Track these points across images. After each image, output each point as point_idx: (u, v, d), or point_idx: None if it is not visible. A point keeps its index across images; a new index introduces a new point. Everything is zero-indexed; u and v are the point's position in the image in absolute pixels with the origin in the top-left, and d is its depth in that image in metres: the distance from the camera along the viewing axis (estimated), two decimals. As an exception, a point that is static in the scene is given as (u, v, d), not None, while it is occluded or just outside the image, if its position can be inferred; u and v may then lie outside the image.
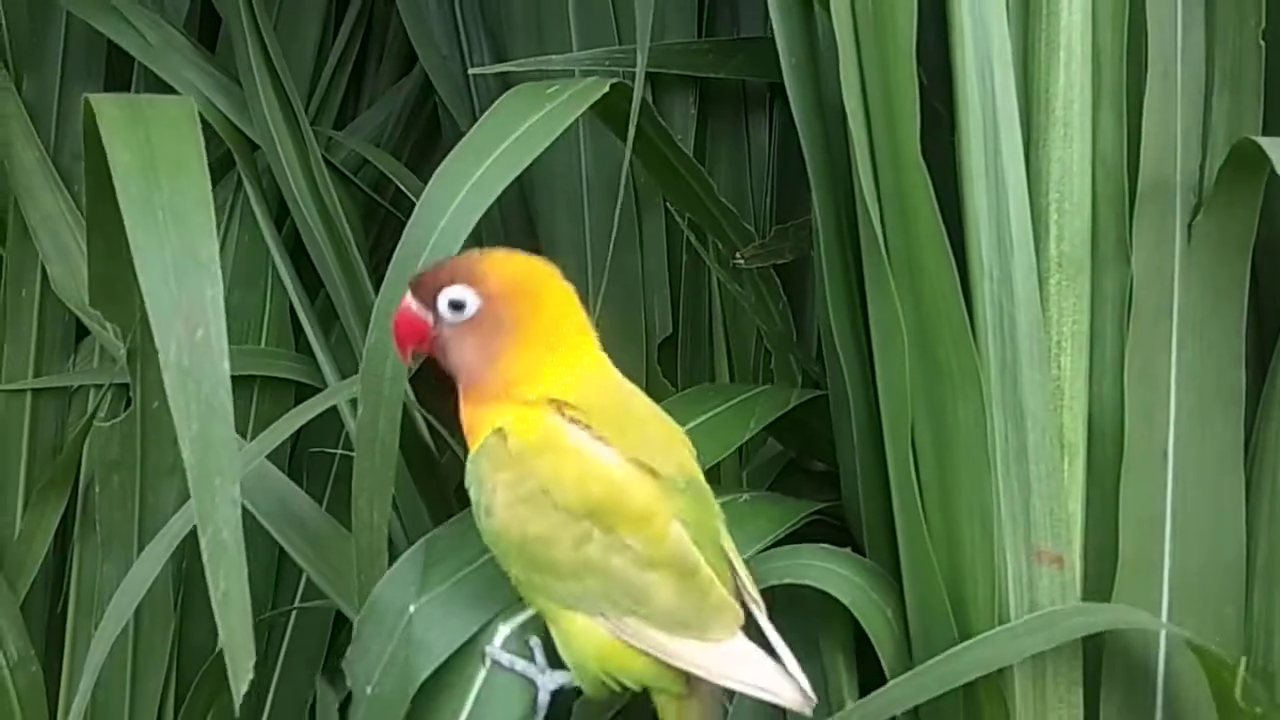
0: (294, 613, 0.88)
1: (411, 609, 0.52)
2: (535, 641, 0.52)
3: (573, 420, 0.48)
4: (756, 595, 0.49)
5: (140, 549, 0.81)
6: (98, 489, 0.80)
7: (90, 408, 0.89)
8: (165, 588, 0.82)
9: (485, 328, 0.48)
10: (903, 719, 0.54)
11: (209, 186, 0.53)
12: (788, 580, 0.56)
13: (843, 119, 0.52)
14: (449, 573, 0.54)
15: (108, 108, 0.55)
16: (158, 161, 0.53)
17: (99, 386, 0.88)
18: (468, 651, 0.52)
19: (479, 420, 0.49)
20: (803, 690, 0.47)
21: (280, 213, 0.84)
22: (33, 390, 0.89)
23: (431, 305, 0.48)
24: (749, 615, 0.50)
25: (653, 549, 0.47)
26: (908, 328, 0.51)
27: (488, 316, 0.48)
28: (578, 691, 0.51)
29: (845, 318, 0.55)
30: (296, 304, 0.82)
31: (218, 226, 0.85)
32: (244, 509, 0.75)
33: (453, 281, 0.48)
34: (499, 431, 0.48)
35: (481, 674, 0.52)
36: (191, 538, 0.66)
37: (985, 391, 0.51)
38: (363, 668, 0.52)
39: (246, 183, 0.81)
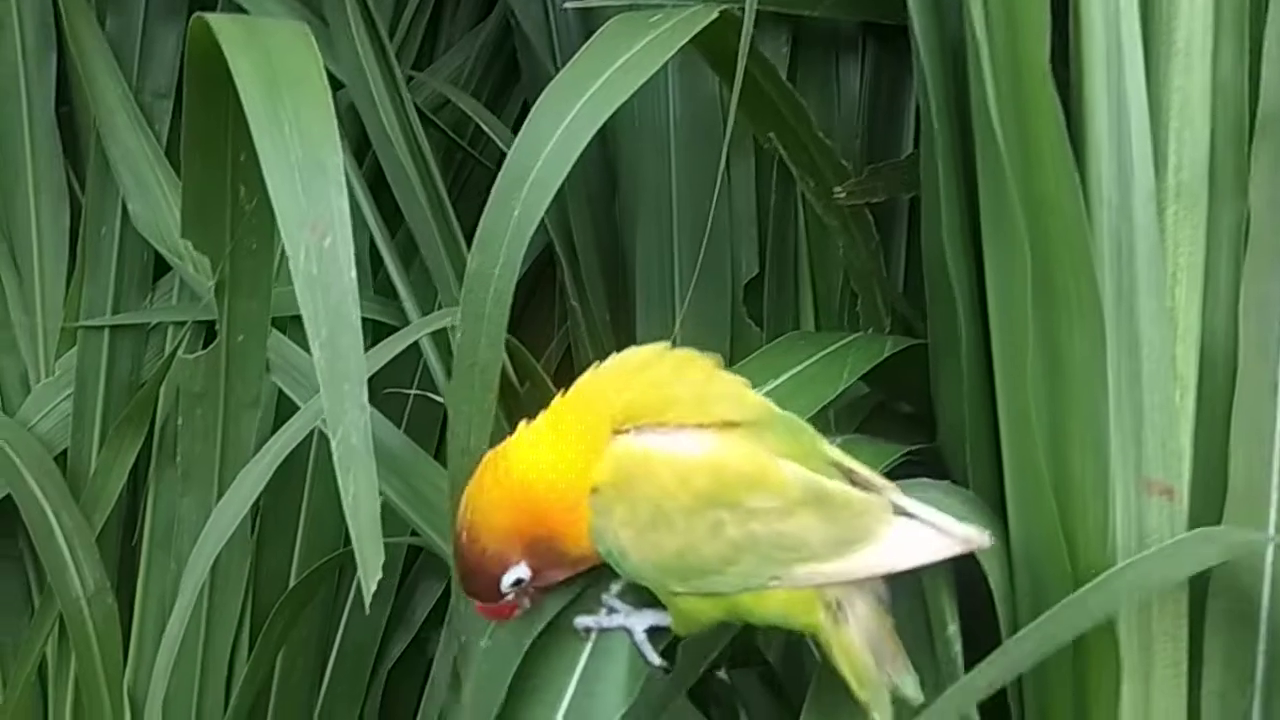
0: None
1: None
2: (606, 596, 0.52)
3: (632, 431, 0.48)
4: (882, 481, 0.49)
5: (221, 482, 0.82)
6: (179, 421, 0.81)
7: (167, 346, 0.90)
8: (244, 521, 0.83)
9: (548, 557, 0.49)
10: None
11: (330, 98, 0.53)
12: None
13: (960, 46, 0.52)
14: None
15: (224, 25, 0.55)
16: (278, 74, 0.53)
17: (177, 324, 0.89)
18: (582, 601, 0.52)
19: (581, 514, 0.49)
20: (976, 532, 0.48)
21: (358, 151, 0.84)
22: (111, 327, 0.90)
23: (501, 597, 0.49)
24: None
25: (780, 498, 0.47)
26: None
27: (539, 555, 0.49)
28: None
29: (959, 247, 0.55)
30: (379, 240, 0.82)
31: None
32: (326, 442, 0.78)
33: (498, 575, 0.48)
34: (595, 489, 0.48)
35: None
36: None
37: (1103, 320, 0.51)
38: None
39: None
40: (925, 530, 0.48)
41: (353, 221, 0.84)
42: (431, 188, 0.76)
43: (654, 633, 0.51)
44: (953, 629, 0.54)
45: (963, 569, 0.58)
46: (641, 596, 0.51)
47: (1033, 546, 0.54)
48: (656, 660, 0.50)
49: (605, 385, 0.49)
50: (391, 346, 0.72)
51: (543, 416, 0.50)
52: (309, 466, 0.85)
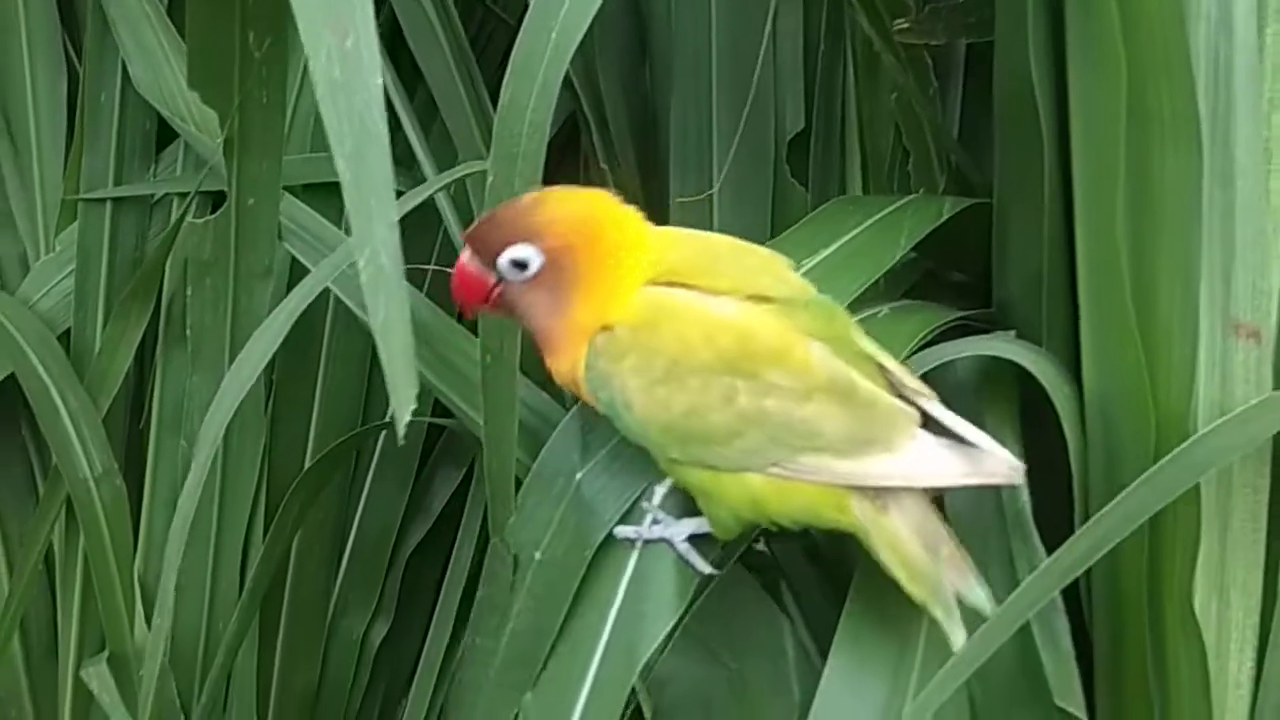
0: (382, 433, 0.86)
1: (578, 476, 0.51)
2: (647, 505, 0.50)
3: (667, 285, 0.46)
4: (919, 385, 0.46)
5: (232, 356, 0.78)
6: (188, 293, 0.77)
7: (172, 219, 0.86)
8: (257, 398, 0.80)
9: (550, 282, 0.46)
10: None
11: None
12: (948, 358, 0.53)
13: None
14: (606, 438, 0.52)
15: None
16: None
17: (182, 196, 0.85)
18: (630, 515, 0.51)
19: (569, 358, 0.47)
20: (1008, 462, 0.44)
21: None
22: (113, 200, 0.85)
23: (492, 265, 0.47)
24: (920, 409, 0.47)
25: (802, 379, 0.44)
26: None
27: (551, 270, 0.46)
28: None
29: (1045, 73, 0.51)
30: (397, 102, 0.77)
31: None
32: (350, 313, 0.74)
33: (514, 240, 0.46)
34: (605, 329, 0.46)
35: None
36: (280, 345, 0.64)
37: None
38: (529, 534, 0.51)
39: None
40: (951, 451, 0.45)
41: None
42: (454, 39, 0.72)
43: (697, 540, 0.49)
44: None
45: (1028, 418, 0.55)
46: (683, 504, 0.50)
47: (1111, 396, 0.51)
48: (705, 568, 0.49)
49: (660, 239, 0.47)
50: (409, 201, 0.68)
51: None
52: (324, 341, 0.82)
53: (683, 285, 0.46)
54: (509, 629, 0.50)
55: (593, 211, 0.47)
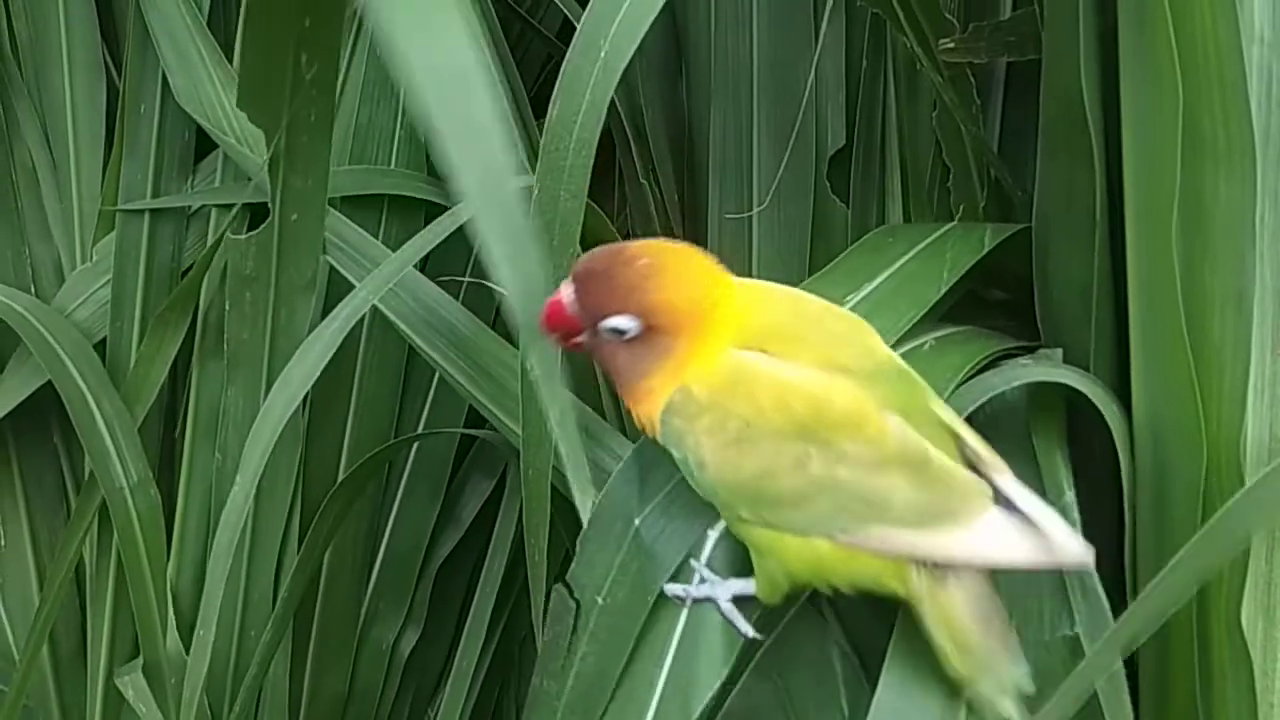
0: (415, 444, 0.86)
1: (637, 521, 0.51)
2: (695, 564, 0.50)
3: (753, 349, 0.46)
4: (993, 459, 0.46)
5: (270, 371, 0.79)
6: (227, 307, 0.77)
7: (210, 231, 0.86)
8: (295, 410, 0.80)
9: (640, 348, 0.46)
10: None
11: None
12: (999, 389, 0.53)
13: None
14: (664, 480, 0.52)
15: None
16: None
17: (220, 208, 0.85)
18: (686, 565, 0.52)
19: (646, 410, 0.48)
20: (1079, 547, 0.44)
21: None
22: (151, 211, 0.86)
23: (591, 319, 0.46)
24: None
25: (876, 449, 0.44)
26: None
27: (645, 340, 0.46)
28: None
29: (1095, 93, 0.51)
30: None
31: (345, 43, 0.82)
32: (385, 324, 0.75)
33: (621, 310, 0.46)
34: (681, 389, 0.46)
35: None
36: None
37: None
38: (590, 578, 0.51)
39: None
40: (1020, 531, 0.44)
41: (404, 101, 0.83)
42: (494, 50, 0.72)
43: (742, 601, 0.49)
44: (1069, 496, 0.52)
45: (1077, 438, 0.55)
46: (731, 561, 0.50)
47: (1161, 418, 0.51)
48: (749, 631, 0.49)
49: (750, 301, 0.47)
50: (452, 219, 0.68)
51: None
52: (359, 353, 0.82)
53: (766, 350, 0.46)
54: (573, 672, 0.50)
55: (702, 290, 0.46)
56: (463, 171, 0.40)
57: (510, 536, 0.85)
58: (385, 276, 0.63)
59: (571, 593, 0.51)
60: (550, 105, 0.54)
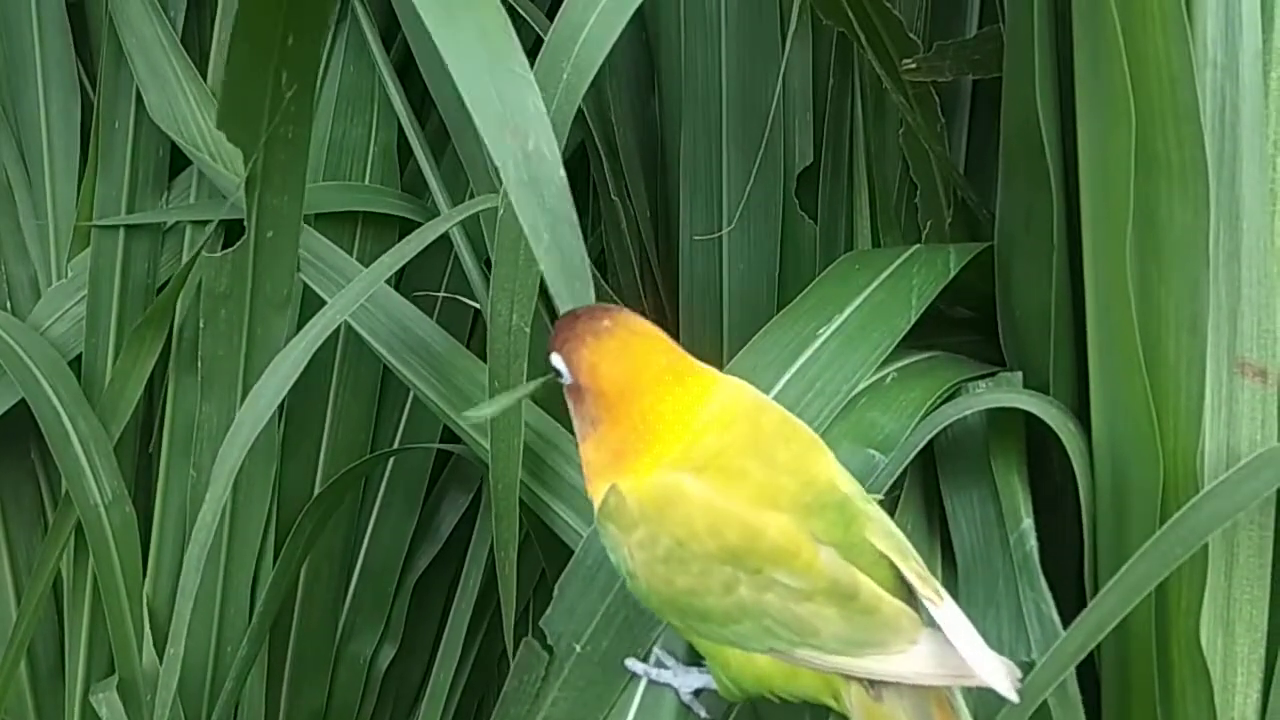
0: (391, 459, 0.86)
1: (622, 579, 0.51)
2: (660, 652, 0.51)
3: (689, 471, 0.46)
4: (928, 588, 0.46)
5: (245, 388, 0.79)
6: (202, 324, 0.78)
7: (185, 247, 0.86)
8: (269, 425, 0.80)
9: (577, 406, 0.47)
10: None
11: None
12: (957, 416, 0.54)
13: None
14: None
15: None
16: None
17: (195, 224, 0.86)
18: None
19: (599, 472, 0.48)
20: (1008, 672, 0.44)
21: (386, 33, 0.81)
22: (125, 227, 0.86)
23: (549, 351, 0.47)
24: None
25: (806, 580, 0.45)
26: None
27: (578, 398, 0.47)
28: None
29: (1051, 114, 0.52)
30: (409, 130, 0.78)
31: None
32: (360, 339, 0.75)
33: (558, 351, 0.47)
34: (614, 490, 0.47)
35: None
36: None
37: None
38: (568, 625, 0.52)
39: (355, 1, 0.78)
40: (946, 654, 0.45)
41: (380, 111, 0.83)
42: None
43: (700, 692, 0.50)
44: (1027, 523, 0.52)
45: (1031, 459, 0.56)
46: (691, 655, 0.50)
47: (1119, 437, 0.52)
48: (705, 715, 0.50)
49: (706, 421, 0.46)
50: (424, 235, 0.69)
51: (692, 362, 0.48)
52: (334, 368, 0.82)
53: (705, 476, 0.46)
54: (540, 717, 0.50)
55: (639, 381, 0.46)
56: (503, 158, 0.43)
57: (487, 552, 0.86)
58: (357, 292, 0.64)
59: (545, 642, 0.51)
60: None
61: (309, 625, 0.88)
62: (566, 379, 0.47)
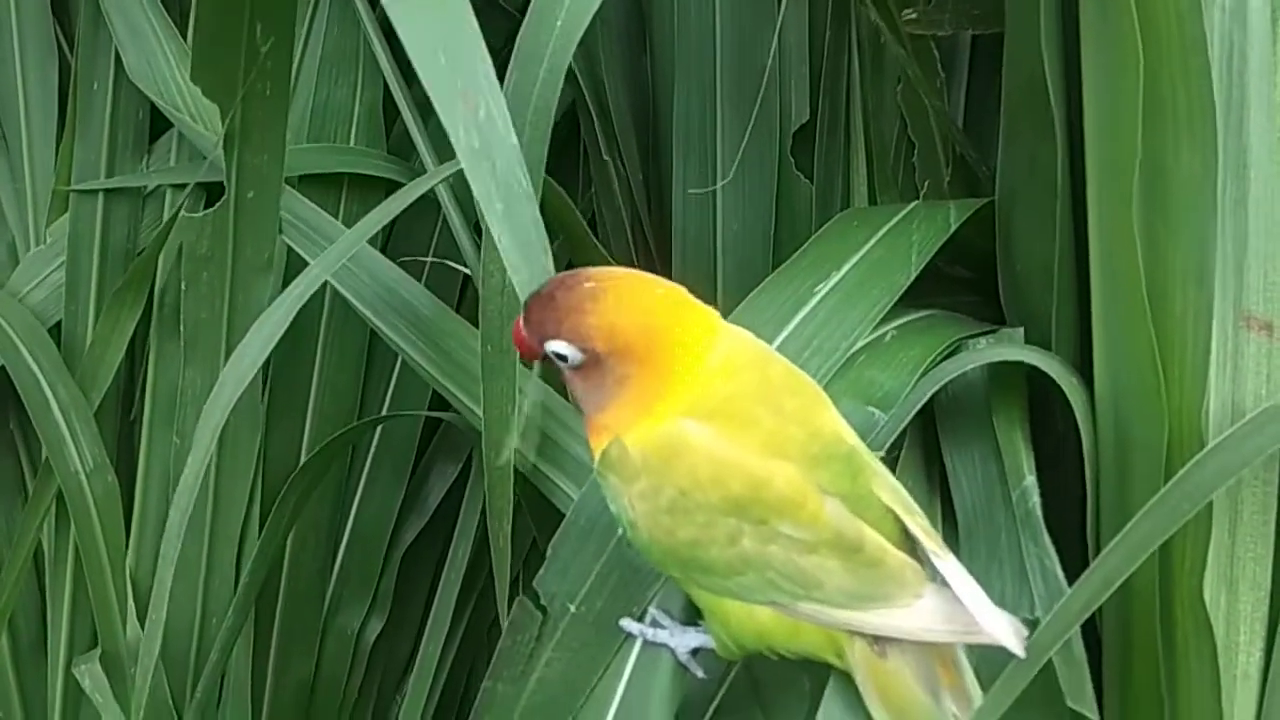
0: (379, 427, 0.85)
1: (620, 529, 0.50)
2: (656, 612, 0.50)
3: (696, 419, 0.45)
4: (936, 544, 0.46)
5: (228, 351, 0.77)
6: (184, 287, 0.76)
7: (166, 212, 0.84)
8: (253, 392, 0.79)
9: (591, 378, 0.45)
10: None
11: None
12: (958, 371, 0.53)
13: None
14: None
15: None
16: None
17: (175, 188, 0.84)
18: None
19: (602, 424, 0.47)
20: (1013, 627, 0.44)
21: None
22: (105, 191, 0.84)
23: (538, 346, 0.46)
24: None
25: (810, 532, 0.44)
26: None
27: (593, 369, 0.45)
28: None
29: (1056, 64, 0.51)
30: (395, 88, 0.76)
31: (302, 18, 0.81)
32: (347, 305, 0.73)
33: (557, 337, 0.45)
34: (617, 440, 0.45)
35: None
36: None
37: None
38: (562, 585, 0.51)
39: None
40: (954, 608, 0.44)
41: (365, 72, 0.81)
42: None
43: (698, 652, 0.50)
44: (1029, 480, 0.51)
45: (1039, 415, 0.55)
46: (688, 614, 0.50)
47: (1123, 391, 0.51)
48: (701, 674, 0.50)
49: (715, 368, 0.45)
50: (409, 193, 0.67)
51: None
52: (320, 333, 0.81)
53: (714, 425, 0.45)
54: (534, 677, 0.49)
55: (658, 319, 0.45)
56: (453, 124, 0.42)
57: (476, 522, 0.85)
58: (341, 251, 0.62)
59: (537, 602, 0.50)
60: (506, 78, 0.53)
61: (295, 596, 0.86)
62: (577, 358, 0.45)
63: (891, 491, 0.46)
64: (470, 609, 0.90)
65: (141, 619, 0.84)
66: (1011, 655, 0.43)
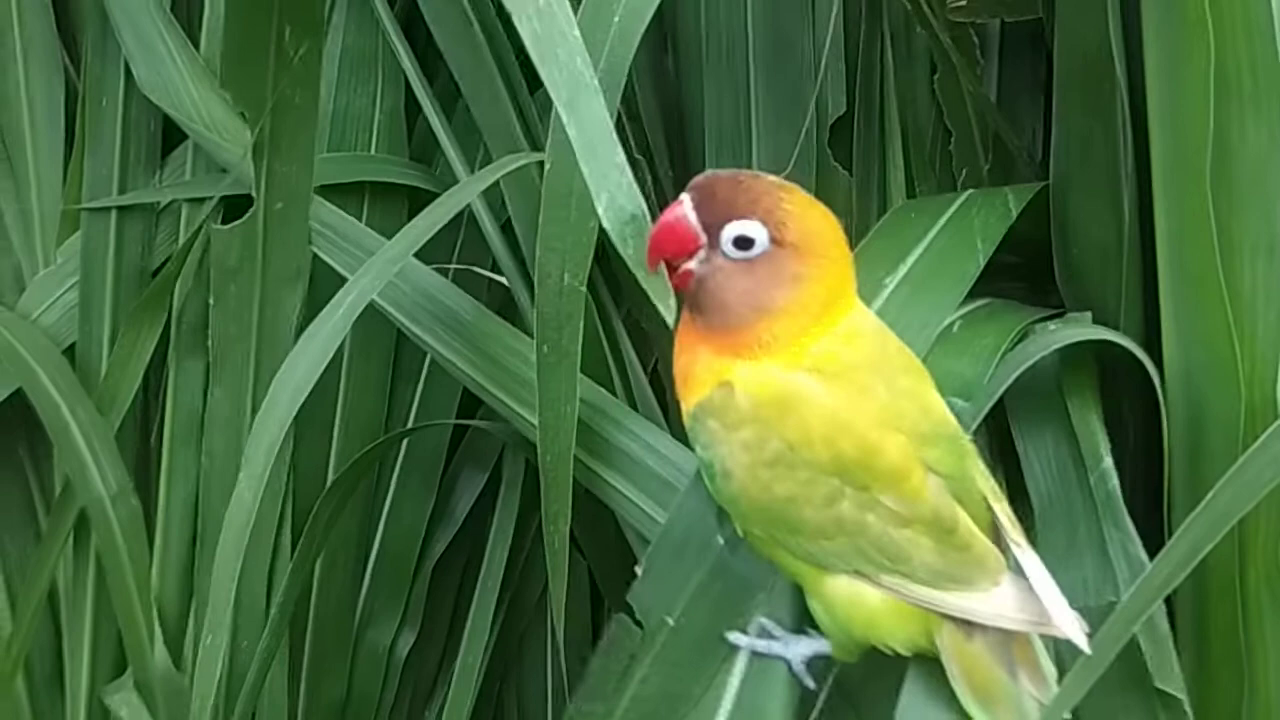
0: (405, 439, 0.84)
1: (720, 540, 0.50)
2: (765, 622, 0.49)
3: (814, 376, 0.44)
4: (1016, 532, 0.46)
5: (258, 367, 0.76)
6: (212, 301, 0.74)
7: (182, 228, 0.83)
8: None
9: (763, 275, 0.44)
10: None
11: None
12: (1036, 356, 0.53)
13: None
14: None
15: None
16: None
17: (192, 202, 0.82)
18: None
19: (707, 369, 0.45)
20: (1077, 625, 0.44)
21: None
22: (118, 209, 0.82)
23: (712, 229, 0.44)
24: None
25: (909, 507, 0.44)
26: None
27: (771, 263, 0.44)
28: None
29: (1121, 42, 0.51)
30: (418, 90, 0.75)
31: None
32: (374, 311, 0.72)
33: (750, 215, 0.43)
34: (725, 385, 0.44)
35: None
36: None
37: None
38: (659, 598, 0.50)
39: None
40: (1027, 600, 0.45)
41: (386, 75, 0.80)
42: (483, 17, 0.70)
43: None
44: (1107, 463, 0.51)
45: (1109, 398, 0.55)
46: (796, 623, 0.49)
47: (1195, 368, 0.52)
48: (813, 684, 0.49)
49: (847, 327, 0.45)
50: (454, 200, 0.66)
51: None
52: (345, 344, 0.79)
53: (828, 382, 0.44)
54: (627, 695, 0.48)
55: (836, 240, 0.45)
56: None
57: (510, 530, 0.83)
58: (387, 262, 0.61)
59: (633, 616, 0.49)
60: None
61: (326, 615, 0.84)
62: (763, 243, 0.43)
63: (985, 478, 0.46)
64: (502, 617, 0.89)
65: (169, 645, 0.82)
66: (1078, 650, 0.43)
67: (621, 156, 0.44)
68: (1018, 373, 0.50)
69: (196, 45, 0.80)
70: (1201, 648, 0.54)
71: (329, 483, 0.80)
